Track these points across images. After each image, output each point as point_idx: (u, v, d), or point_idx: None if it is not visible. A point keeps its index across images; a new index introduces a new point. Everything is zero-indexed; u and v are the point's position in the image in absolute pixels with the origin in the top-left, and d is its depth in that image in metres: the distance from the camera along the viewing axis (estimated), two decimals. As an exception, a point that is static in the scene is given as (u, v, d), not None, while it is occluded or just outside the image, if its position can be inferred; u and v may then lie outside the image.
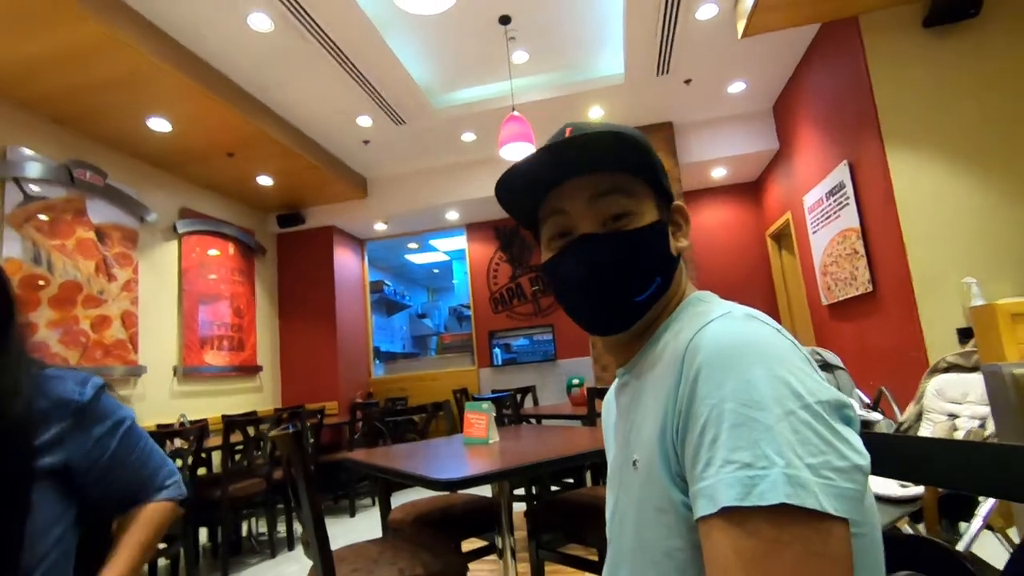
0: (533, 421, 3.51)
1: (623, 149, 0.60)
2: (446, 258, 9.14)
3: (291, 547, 3.51)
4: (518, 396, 3.76)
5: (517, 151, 3.59)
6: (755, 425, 0.43)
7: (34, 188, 3.48)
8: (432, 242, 7.98)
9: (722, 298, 0.62)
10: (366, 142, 4.99)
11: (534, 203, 0.67)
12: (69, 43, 2.90)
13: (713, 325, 0.51)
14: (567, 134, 0.62)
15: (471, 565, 2.00)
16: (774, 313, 5.58)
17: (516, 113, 3.61)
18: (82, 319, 3.67)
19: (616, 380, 0.73)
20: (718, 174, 5.55)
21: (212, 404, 4.78)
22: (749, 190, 5.83)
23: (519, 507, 2.93)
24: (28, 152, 3.46)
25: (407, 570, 1.51)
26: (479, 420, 1.98)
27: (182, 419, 4.05)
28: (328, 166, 5.02)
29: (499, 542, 1.85)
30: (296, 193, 5.48)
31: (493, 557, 2.45)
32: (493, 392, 3.95)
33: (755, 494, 0.41)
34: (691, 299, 0.63)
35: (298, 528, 3.81)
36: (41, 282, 3.44)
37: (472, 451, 1.85)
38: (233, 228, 5.28)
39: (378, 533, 3.10)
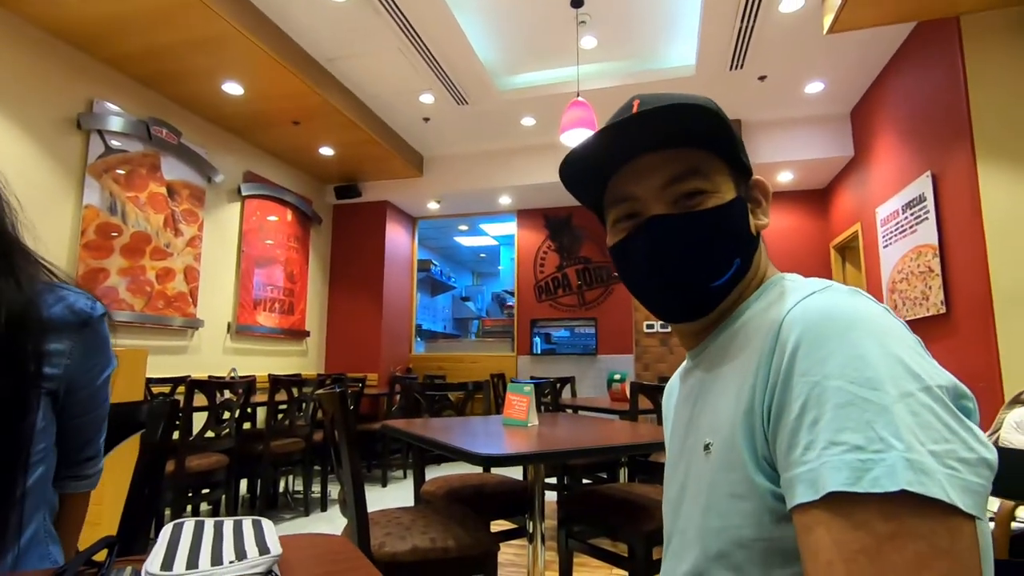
0: (570, 411, 3.48)
1: (696, 123, 0.55)
2: (494, 243, 9.16)
3: (324, 508, 3.62)
4: (557, 385, 3.73)
5: (579, 138, 3.53)
6: (867, 405, 0.38)
7: (114, 141, 3.66)
8: (482, 226, 8.00)
9: None
10: (426, 120, 5.02)
11: (601, 183, 0.63)
12: (156, 3, 3.01)
13: (815, 297, 0.47)
14: (635, 108, 0.57)
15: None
16: (830, 328, 5.32)
17: (581, 99, 3.54)
18: (149, 269, 3.86)
19: (684, 363, 0.69)
20: (784, 178, 5.31)
21: (261, 363, 4.96)
22: (816, 197, 5.56)
23: (550, 496, 2.92)
24: (111, 107, 3.64)
25: (438, 540, 1.51)
26: (520, 402, 1.97)
27: (232, 373, 4.23)
28: (387, 141, 5.08)
29: (529, 526, 1.84)
30: (355, 166, 5.58)
31: (521, 540, 2.44)
32: (532, 379, 3.93)
33: (868, 480, 0.37)
34: (774, 279, 0.58)
35: (332, 490, 3.92)
36: (114, 233, 3.63)
37: (511, 432, 1.84)
38: (293, 195, 5.44)
39: (408, 504, 3.15)
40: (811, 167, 5.03)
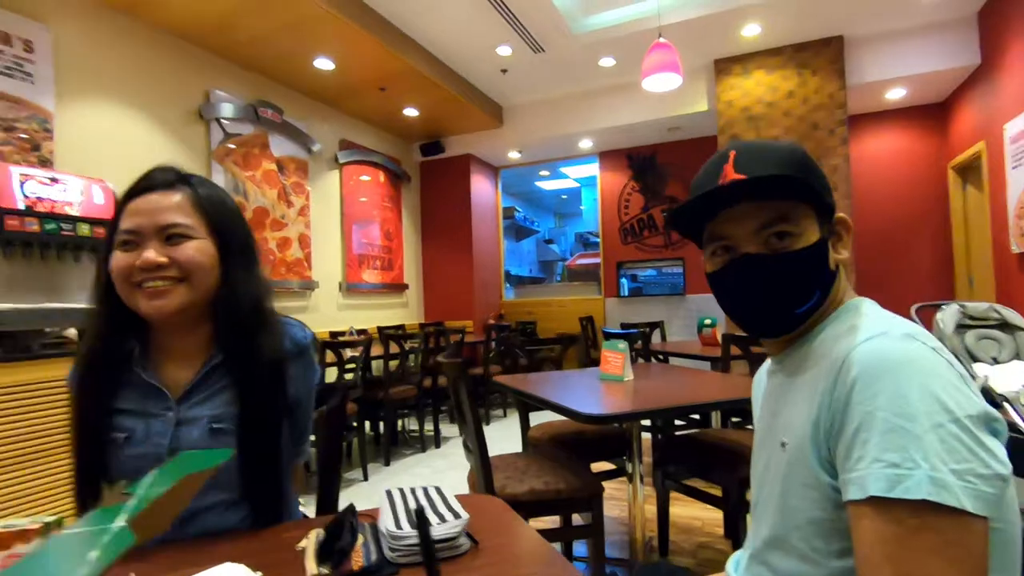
0: (660, 358, 3.61)
1: (789, 186, 0.65)
2: (575, 185, 9.12)
3: (438, 445, 4.07)
4: (647, 331, 3.84)
5: (661, 82, 3.45)
6: (905, 433, 0.51)
7: (229, 127, 4.05)
8: (563, 169, 7.97)
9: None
10: (504, 71, 5.03)
11: (699, 223, 0.73)
12: (255, -5, 3.24)
13: (870, 344, 0.58)
14: (731, 159, 0.67)
15: (601, 484, 2.23)
16: (947, 258, 4.94)
17: (662, 39, 3.42)
18: (270, 240, 4.33)
19: (767, 362, 0.81)
20: (895, 95, 4.83)
21: (368, 316, 5.46)
22: (932, 114, 5.03)
23: (644, 435, 3.12)
24: (223, 94, 4.00)
25: (551, 483, 1.75)
26: (615, 359, 2.13)
27: (351, 331, 4.72)
28: (467, 96, 5.17)
29: (629, 467, 2.04)
30: (438, 123, 5.74)
31: (621, 481, 2.67)
32: (622, 326, 4.08)
33: (900, 489, 0.50)
34: (848, 306, 0.69)
35: (444, 429, 4.38)
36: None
37: (608, 388, 2.02)
38: (383, 157, 5.73)
39: (509, 442, 3.47)
40: (927, 80, 4.53)
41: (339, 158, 5.14)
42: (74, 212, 2.46)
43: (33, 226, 2.32)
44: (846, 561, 0.58)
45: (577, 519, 2.25)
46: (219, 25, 3.57)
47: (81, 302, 2.57)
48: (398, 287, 5.92)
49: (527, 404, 2.62)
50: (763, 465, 0.73)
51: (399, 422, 4.38)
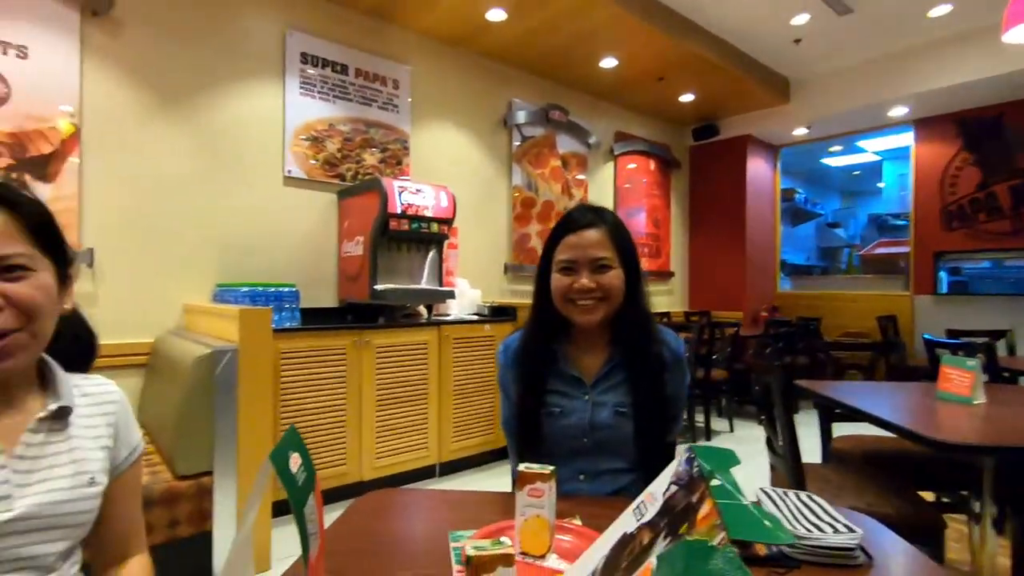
0: (1006, 376, 2.90)
1: None
2: (875, 158, 7.76)
3: (708, 438, 4.03)
4: (988, 341, 3.13)
5: (1035, 30, 2.70)
6: None
7: (525, 130, 4.59)
8: (861, 143, 6.86)
9: None
10: (797, 41, 4.55)
11: None
12: (557, 10, 3.58)
13: None
14: None
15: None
16: None
17: (1040, -26, 2.67)
18: (554, 230, 4.79)
19: None
20: None
21: (635, 302, 5.61)
22: None
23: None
24: (520, 102, 4.54)
25: (875, 506, 1.62)
26: (962, 377, 1.83)
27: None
28: (750, 74, 4.84)
29: (976, 506, 1.75)
30: (714, 105, 5.52)
31: (954, 519, 2.29)
32: (948, 333, 3.38)
33: None
34: None
35: (714, 423, 4.30)
36: (531, 205, 4.62)
37: (950, 410, 1.75)
38: (654, 146, 5.78)
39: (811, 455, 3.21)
40: None
41: (614, 150, 5.37)
42: (428, 214, 3.12)
43: (404, 226, 3.04)
44: None
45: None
46: (520, 43, 4.05)
47: (429, 284, 3.28)
48: (664, 274, 5.94)
49: (829, 411, 2.43)
50: None
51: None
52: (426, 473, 3.16)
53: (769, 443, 1.92)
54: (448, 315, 3.50)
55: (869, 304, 5.46)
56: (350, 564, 0.75)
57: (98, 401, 0.77)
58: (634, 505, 0.58)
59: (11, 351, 0.65)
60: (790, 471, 1.69)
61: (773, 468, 1.98)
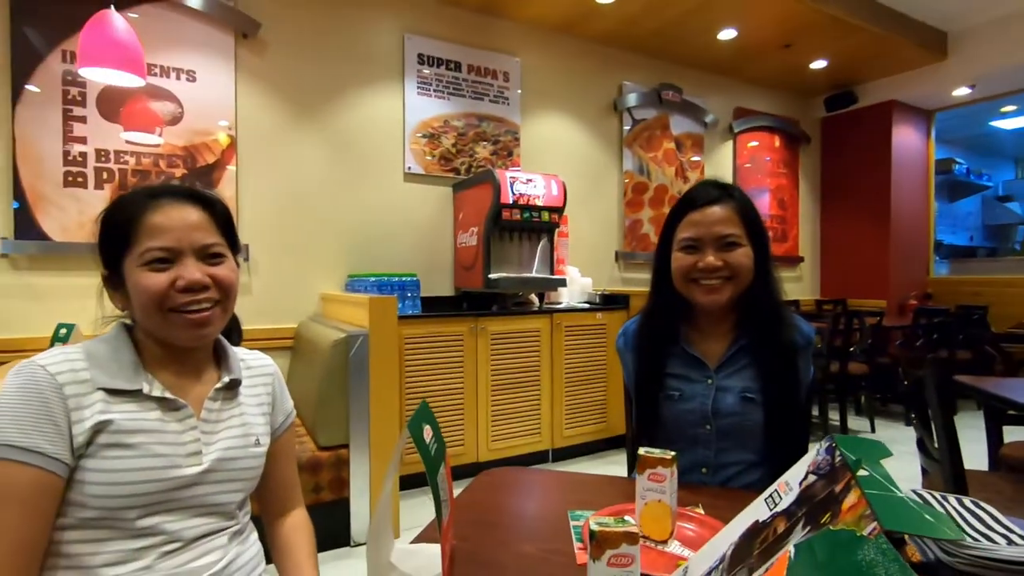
0: None
1: None
2: (1060, 117, 6.51)
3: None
4: None
5: None
6: None
7: (637, 113, 4.45)
8: (1041, 99, 5.79)
9: None
10: (957, -13, 3.94)
11: None
12: (669, -15, 3.42)
13: None
14: None
15: None
16: None
17: None
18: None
19: None
20: None
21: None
22: None
23: None
24: (631, 85, 4.41)
25: (1062, 523, 1.39)
26: None
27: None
28: (897, 30, 4.27)
29: None
30: (851, 71, 4.96)
31: None
32: None
33: None
34: None
35: (852, 422, 3.92)
36: (644, 190, 4.49)
37: None
38: (779, 120, 5.33)
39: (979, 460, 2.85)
40: None
41: (733, 127, 5.03)
42: (539, 203, 3.15)
43: (516, 215, 3.10)
44: None
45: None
46: (629, 22, 3.92)
47: (541, 273, 3.32)
48: (792, 259, 5.48)
49: (998, 413, 2.11)
50: None
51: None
52: (539, 458, 3.22)
53: (921, 444, 1.72)
54: (560, 303, 3.52)
55: (1052, 290, 4.64)
56: (475, 534, 0.80)
57: (258, 373, 0.89)
58: (766, 494, 0.55)
59: (212, 321, 0.79)
60: (949, 476, 1.50)
61: (925, 472, 1.76)
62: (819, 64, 4.77)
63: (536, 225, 3.20)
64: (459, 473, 2.85)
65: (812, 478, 0.48)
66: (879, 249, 5.27)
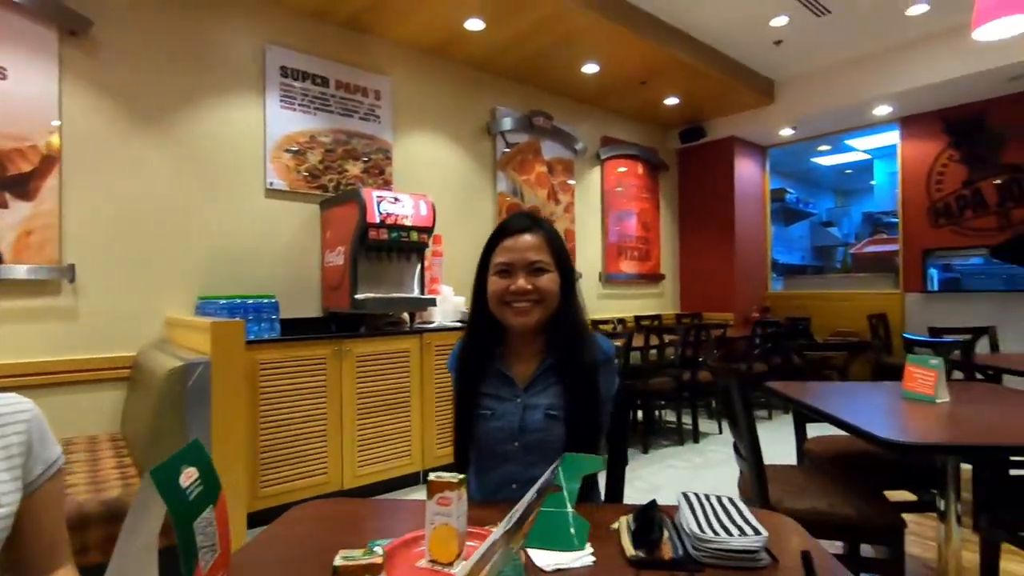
0: (989, 374, 2.90)
1: None
2: (865, 156, 7.76)
3: (696, 440, 4.03)
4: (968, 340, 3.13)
5: (1001, 29, 2.72)
6: None
7: (510, 137, 4.62)
8: (848, 142, 6.88)
9: None
10: (777, 43, 4.58)
11: None
12: (534, 18, 3.62)
13: None
14: None
15: (899, 516, 1.96)
16: None
17: (1007, -27, 2.69)
18: (541, 236, 4.82)
19: None
20: None
21: (624, 305, 5.64)
22: None
23: (964, 467, 2.59)
24: (504, 109, 4.58)
25: (836, 506, 1.63)
26: (925, 376, 1.83)
27: (614, 323, 4.98)
28: (733, 76, 4.86)
29: (940, 503, 1.75)
30: (699, 108, 5.55)
31: (925, 516, 2.30)
32: (931, 331, 3.38)
33: None
34: None
35: (703, 425, 4.31)
36: (517, 210, 4.65)
37: (914, 409, 1.76)
38: (641, 149, 5.80)
39: (776, 448, 3.25)
40: None
41: (600, 154, 5.39)
42: (408, 223, 3.15)
43: (384, 235, 3.06)
44: None
45: (865, 550, 2.03)
46: (500, 50, 4.08)
47: (411, 292, 3.31)
48: (654, 277, 5.95)
49: (803, 414, 2.44)
50: None
51: (655, 412, 4.46)
52: (411, 480, 3.17)
53: (736, 448, 1.93)
54: (432, 322, 3.52)
55: (861, 303, 5.46)
56: (268, 573, 0.77)
57: (8, 421, 0.78)
58: (513, 509, 0.60)
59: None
60: (753, 472, 1.70)
61: (742, 472, 1.99)
62: (672, 101, 5.28)
63: (405, 245, 3.19)
64: (322, 503, 2.72)
65: (535, 495, 0.52)
66: (726, 267, 5.90)
